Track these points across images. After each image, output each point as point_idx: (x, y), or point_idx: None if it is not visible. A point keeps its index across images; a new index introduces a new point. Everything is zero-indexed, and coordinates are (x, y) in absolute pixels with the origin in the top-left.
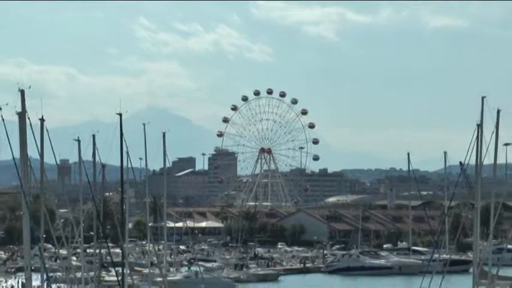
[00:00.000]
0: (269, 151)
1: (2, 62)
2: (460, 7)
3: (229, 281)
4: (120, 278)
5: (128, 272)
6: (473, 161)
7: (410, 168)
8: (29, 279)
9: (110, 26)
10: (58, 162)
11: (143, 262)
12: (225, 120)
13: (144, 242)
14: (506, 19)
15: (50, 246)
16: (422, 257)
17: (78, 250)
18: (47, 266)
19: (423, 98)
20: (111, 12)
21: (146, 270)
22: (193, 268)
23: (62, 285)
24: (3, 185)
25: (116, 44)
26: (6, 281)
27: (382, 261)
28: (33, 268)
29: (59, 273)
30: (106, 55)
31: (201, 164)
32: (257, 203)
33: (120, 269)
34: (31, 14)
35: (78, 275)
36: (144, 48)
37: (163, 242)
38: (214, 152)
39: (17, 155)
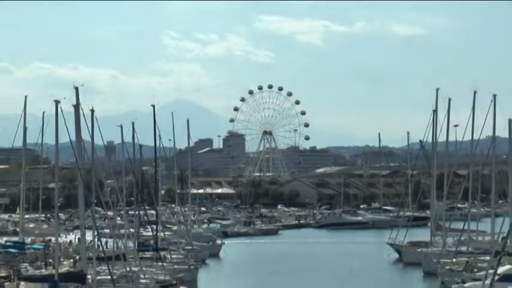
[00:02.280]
0: (270, 133)
1: (61, 66)
2: (418, 18)
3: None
4: (154, 233)
5: (161, 228)
6: (430, 139)
7: (381, 145)
8: (83, 235)
9: (144, 37)
10: (105, 143)
11: (172, 221)
12: (236, 109)
13: (173, 205)
14: (453, 28)
15: (99, 209)
16: (391, 214)
17: (122, 212)
18: (97, 224)
19: (391, 90)
20: (145, 26)
21: (175, 227)
22: (212, 225)
23: (109, 239)
24: (62, 162)
25: (149, 50)
26: (66, 237)
27: (359, 218)
28: (86, 226)
29: (106, 230)
30: (141, 59)
31: (217, 144)
32: (261, 174)
33: (154, 226)
34: (82, 27)
35: (122, 231)
36: (171, 53)
37: (188, 205)
38: (227, 134)
39: (73, 138)
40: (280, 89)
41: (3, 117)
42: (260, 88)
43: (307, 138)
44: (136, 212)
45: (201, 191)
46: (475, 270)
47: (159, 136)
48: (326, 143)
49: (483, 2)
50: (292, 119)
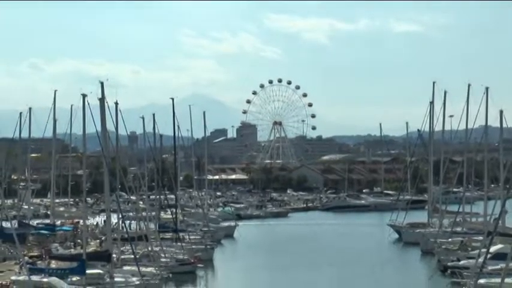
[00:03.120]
0: (280, 123)
1: (87, 62)
2: (416, 16)
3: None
4: (174, 216)
5: (180, 211)
6: (427, 128)
7: (382, 134)
8: (109, 217)
9: (162, 35)
10: (128, 133)
11: (190, 204)
12: (248, 101)
13: (191, 190)
14: (449, 25)
15: (123, 193)
16: (391, 198)
17: (144, 196)
18: (121, 208)
19: (391, 84)
20: (162, 25)
21: (193, 210)
22: (226, 208)
23: (132, 221)
24: (89, 150)
25: (167, 47)
26: (93, 219)
27: (362, 201)
28: (111, 210)
29: (130, 213)
30: (160, 56)
31: (231, 133)
32: (272, 161)
33: (174, 209)
34: (106, 26)
35: (144, 214)
36: (188, 50)
37: (204, 189)
38: (240, 125)
39: (99, 129)
40: (289, 82)
41: (35, 109)
42: (270, 82)
43: (314, 128)
44: (157, 197)
45: (216, 177)
46: (469, 249)
47: (178, 127)
48: (331, 132)
49: (479, 2)
50: (300, 111)
